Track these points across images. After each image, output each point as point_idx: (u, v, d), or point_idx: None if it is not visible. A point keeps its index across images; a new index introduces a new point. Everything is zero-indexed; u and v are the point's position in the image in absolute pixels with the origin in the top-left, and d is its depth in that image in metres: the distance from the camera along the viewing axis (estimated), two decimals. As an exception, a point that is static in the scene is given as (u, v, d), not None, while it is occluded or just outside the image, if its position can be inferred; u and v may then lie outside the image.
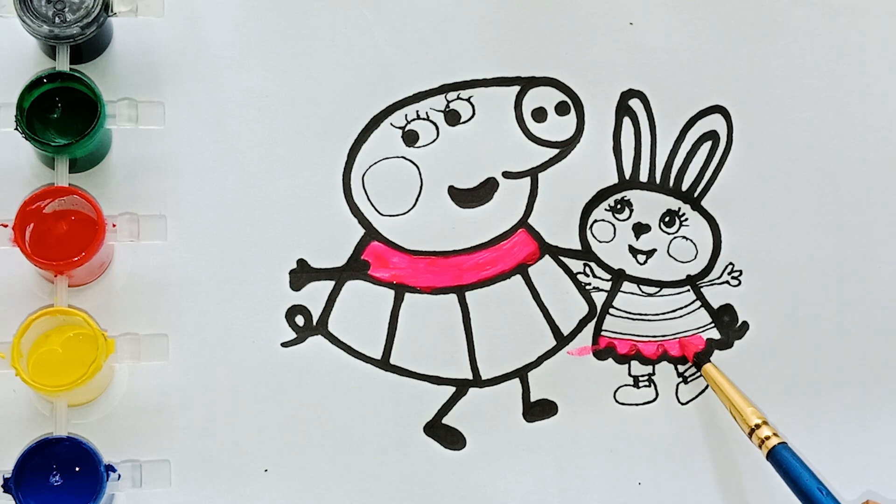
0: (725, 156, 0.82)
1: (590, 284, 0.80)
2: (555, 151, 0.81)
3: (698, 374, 0.80)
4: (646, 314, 0.80)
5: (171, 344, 0.76)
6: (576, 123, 0.81)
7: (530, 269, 0.80)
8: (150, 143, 0.78)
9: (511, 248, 0.80)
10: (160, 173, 0.78)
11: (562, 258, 0.80)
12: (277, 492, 0.76)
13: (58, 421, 0.72)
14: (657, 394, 0.80)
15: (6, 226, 0.73)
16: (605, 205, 0.81)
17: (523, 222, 0.80)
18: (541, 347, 0.79)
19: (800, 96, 0.83)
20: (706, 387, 0.80)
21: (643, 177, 0.81)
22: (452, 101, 0.81)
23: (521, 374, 0.79)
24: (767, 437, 0.75)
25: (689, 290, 0.81)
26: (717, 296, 0.81)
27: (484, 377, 0.79)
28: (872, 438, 0.81)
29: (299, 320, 0.78)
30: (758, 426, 0.75)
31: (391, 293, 0.79)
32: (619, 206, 0.81)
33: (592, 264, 0.80)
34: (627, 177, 0.81)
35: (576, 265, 0.80)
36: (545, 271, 0.80)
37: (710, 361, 0.79)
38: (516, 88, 0.81)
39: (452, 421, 0.78)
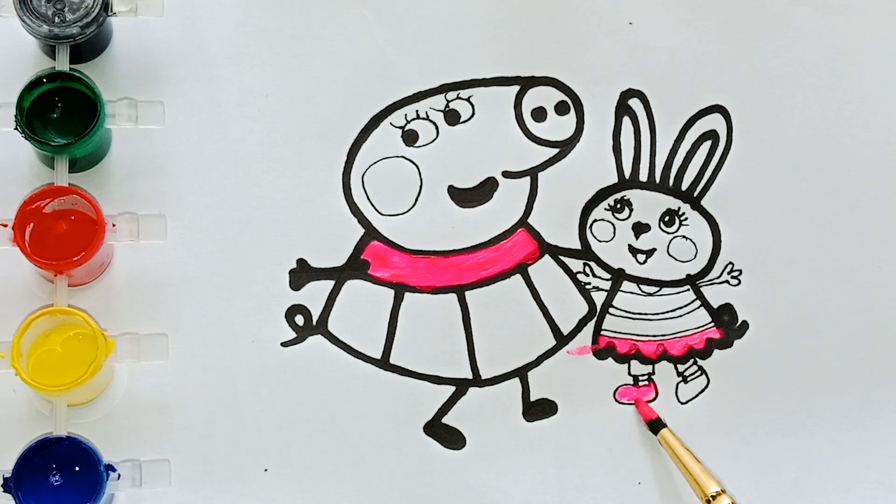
0: (725, 155, 0.82)
1: (589, 284, 0.80)
2: (554, 151, 0.81)
3: (698, 373, 0.80)
4: (645, 314, 0.80)
5: (171, 344, 0.76)
6: (575, 123, 0.81)
7: (530, 269, 0.80)
8: (149, 143, 0.78)
9: (511, 247, 0.80)
10: (160, 173, 0.78)
11: (561, 258, 0.80)
12: (277, 492, 0.76)
13: (58, 421, 0.72)
14: (657, 393, 0.80)
15: (6, 225, 0.73)
16: (604, 204, 0.81)
17: (523, 222, 0.80)
18: (541, 347, 0.79)
19: (800, 96, 0.83)
20: (706, 386, 0.80)
21: (643, 176, 0.81)
22: (452, 100, 0.81)
23: (521, 373, 0.79)
24: None
25: (688, 290, 0.81)
26: (716, 295, 0.81)
27: (484, 377, 0.79)
28: (872, 438, 0.81)
29: (299, 320, 0.78)
30: (715, 496, 0.74)
31: (391, 293, 0.79)
32: (618, 206, 0.81)
33: (592, 264, 0.80)
34: (627, 176, 0.81)
35: (576, 265, 0.80)
36: (545, 271, 0.80)
37: (665, 426, 0.78)
38: (516, 88, 0.81)
39: (452, 420, 0.78)
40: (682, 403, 0.80)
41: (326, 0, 0.81)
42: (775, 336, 0.81)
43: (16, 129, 0.73)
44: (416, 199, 0.80)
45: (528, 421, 0.79)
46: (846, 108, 0.83)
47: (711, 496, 0.74)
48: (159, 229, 0.76)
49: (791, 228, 0.82)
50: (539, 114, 0.81)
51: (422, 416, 0.78)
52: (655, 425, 0.78)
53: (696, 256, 0.81)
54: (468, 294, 0.79)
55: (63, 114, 0.75)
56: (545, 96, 0.82)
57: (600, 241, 0.81)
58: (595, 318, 0.80)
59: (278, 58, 0.80)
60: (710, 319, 0.81)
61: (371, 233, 0.79)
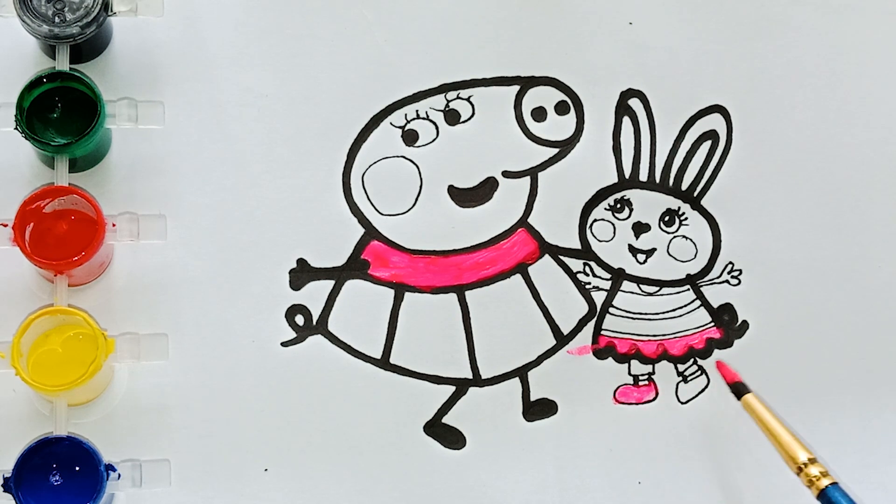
0: (725, 155, 0.82)
1: (589, 284, 0.80)
2: (554, 151, 0.81)
3: (698, 373, 0.80)
4: (646, 313, 0.80)
5: (171, 344, 0.76)
6: (575, 123, 0.81)
7: (530, 269, 0.80)
8: (149, 143, 0.78)
9: (511, 247, 0.80)
10: (160, 173, 0.78)
11: (561, 257, 0.80)
12: (277, 492, 0.76)
13: (58, 420, 0.72)
14: (657, 393, 0.80)
15: (6, 225, 0.73)
16: (604, 204, 0.81)
17: (523, 222, 0.80)
18: (541, 347, 0.79)
19: (800, 96, 0.83)
20: (706, 386, 0.80)
21: (643, 176, 0.81)
22: (452, 100, 0.81)
23: (521, 373, 0.79)
24: (817, 478, 0.73)
25: (688, 290, 0.81)
26: (716, 295, 0.81)
27: (484, 376, 0.79)
28: (872, 438, 0.81)
29: (299, 320, 0.78)
30: (806, 464, 0.73)
31: (391, 292, 0.79)
32: (618, 206, 0.81)
33: (592, 263, 0.80)
34: (627, 176, 0.81)
35: (576, 264, 0.80)
36: (545, 271, 0.80)
37: (750, 391, 0.77)
38: (516, 88, 0.81)
39: (452, 420, 0.78)
40: (682, 403, 0.80)
41: (326, 0, 0.81)
42: (775, 336, 0.81)
43: (16, 129, 0.73)
44: (416, 199, 0.80)
45: (528, 421, 0.79)
46: (846, 108, 0.83)
47: (803, 464, 0.73)
48: (159, 229, 0.76)
49: (791, 228, 0.82)
50: (539, 114, 0.81)
51: (422, 416, 0.78)
52: (739, 389, 0.77)
53: (696, 256, 0.81)
54: (468, 294, 0.79)
55: (63, 114, 0.75)
56: (545, 96, 0.82)
57: (600, 241, 0.81)
58: (595, 318, 0.80)
59: (278, 58, 0.80)
60: (710, 319, 0.81)
61: (371, 233, 0.79)
